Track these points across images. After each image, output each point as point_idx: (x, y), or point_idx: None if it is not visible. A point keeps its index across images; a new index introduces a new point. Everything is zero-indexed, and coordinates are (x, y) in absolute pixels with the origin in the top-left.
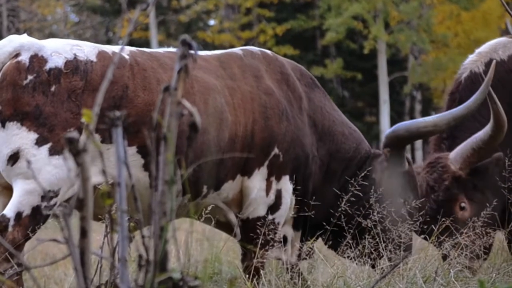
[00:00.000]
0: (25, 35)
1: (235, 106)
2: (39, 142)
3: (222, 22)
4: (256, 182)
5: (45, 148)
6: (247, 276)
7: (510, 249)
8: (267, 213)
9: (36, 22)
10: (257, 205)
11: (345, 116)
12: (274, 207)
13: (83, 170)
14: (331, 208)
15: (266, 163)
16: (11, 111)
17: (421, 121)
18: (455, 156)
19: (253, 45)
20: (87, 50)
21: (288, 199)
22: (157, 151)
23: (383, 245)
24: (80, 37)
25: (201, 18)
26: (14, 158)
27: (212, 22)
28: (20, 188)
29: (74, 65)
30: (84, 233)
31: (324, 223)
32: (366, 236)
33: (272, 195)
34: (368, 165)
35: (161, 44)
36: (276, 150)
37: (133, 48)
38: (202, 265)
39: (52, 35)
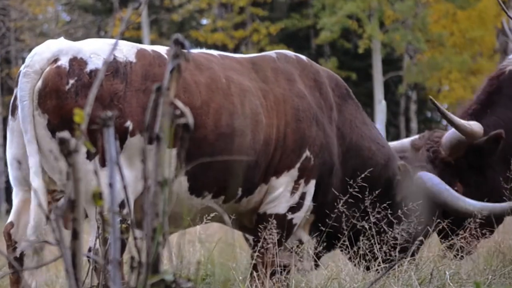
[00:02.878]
0: (62, 38)
1: (268, 108)
2: (89, 156)
3: (215, 21)
4: (283, 182)
5: (96, 160)
6: (257, 270)
7: None
8: (287, 212)
9: (27, 21)
10: (279, 203)
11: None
12: (295, 208)
13: (74, 171)
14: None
15: (298, 165)
16: (58, 119)
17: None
18: (445, 141)
19: (246, 44)
20: (126, 50)
21: (310, 202)
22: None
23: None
24: (71, 36)
25: (194, 17)
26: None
27: (205, 21)
28: None
29: (114, 67)
30: (75, 234)
31: (340, 236)
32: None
33: (296, 196)
34: (396, 187)
35: (153, 43)
36: (307, 153)
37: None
38: (195, 267)
39: (43, 34)
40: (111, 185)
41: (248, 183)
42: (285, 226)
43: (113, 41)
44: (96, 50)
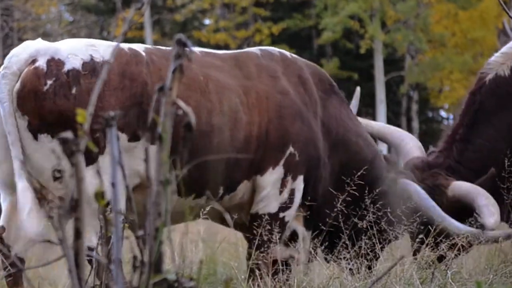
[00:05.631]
0: (39, 39)
1: (250, 106)
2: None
3: (217, 21)
4: (270, 180)
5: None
6: (253, 271)
7: None
8: (278, 211)
9: (30, 21)
10: (269, 202)
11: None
12: (286, 205)
13: (77, 170)
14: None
15: (282, 162)
16: (38, 120)
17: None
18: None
19: (248, 44)
20: (102, 50)
21: (299, 198)
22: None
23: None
24: (74, 36)
25: (196, 17)
26: (56, 176)
27: (207, 21)
28: None
29: (91, 67)
30: (78, 234)
31: (332, 230)
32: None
33: (285, 194)
34: (381, 184)
35: (156, 43)
36: (291, 149)
37: (149, 46)
38: (197, 266)
39: (46, 34)
40: (113, 185)
41: (229, 181)
42: (277, 225)
43: (91, 41)
44: (73, 51)
